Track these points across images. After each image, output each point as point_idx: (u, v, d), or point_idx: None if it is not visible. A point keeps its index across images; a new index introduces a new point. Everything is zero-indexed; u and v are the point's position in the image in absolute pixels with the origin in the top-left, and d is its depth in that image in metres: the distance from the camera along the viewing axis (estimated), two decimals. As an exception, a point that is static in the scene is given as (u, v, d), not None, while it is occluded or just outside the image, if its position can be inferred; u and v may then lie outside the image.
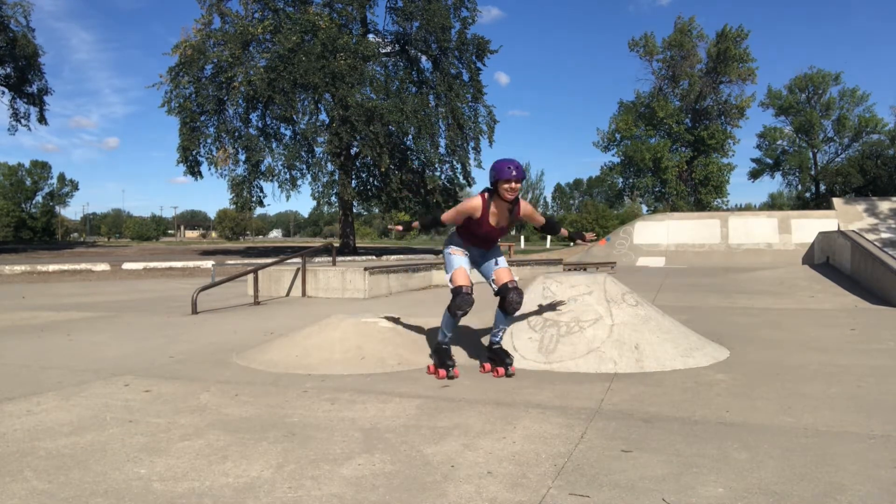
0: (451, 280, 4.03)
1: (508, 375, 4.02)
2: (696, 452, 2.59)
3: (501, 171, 3.76)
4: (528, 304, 4.80)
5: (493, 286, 4.12)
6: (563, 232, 4.48)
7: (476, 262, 4.22)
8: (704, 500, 2.12)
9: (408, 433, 2.86)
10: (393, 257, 21.22)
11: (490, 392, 3.65)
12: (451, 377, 3.95)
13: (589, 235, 4.47)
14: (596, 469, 2.40)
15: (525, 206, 4.00)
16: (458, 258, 4.10)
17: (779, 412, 3.19)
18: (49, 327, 6.46)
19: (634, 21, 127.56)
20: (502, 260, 4.21)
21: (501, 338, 4.25)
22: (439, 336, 4.20)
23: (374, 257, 20.47)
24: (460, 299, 3.94)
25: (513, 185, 3.77)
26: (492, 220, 3.95)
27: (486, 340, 4.59)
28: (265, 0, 25.39)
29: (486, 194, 3.92)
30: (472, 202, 3.93)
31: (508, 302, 4.01)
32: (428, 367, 4.20)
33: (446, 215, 4.10)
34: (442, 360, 4.11)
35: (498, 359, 4.15)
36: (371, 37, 27.31)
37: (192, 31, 24.86)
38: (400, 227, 4.40)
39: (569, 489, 2.21)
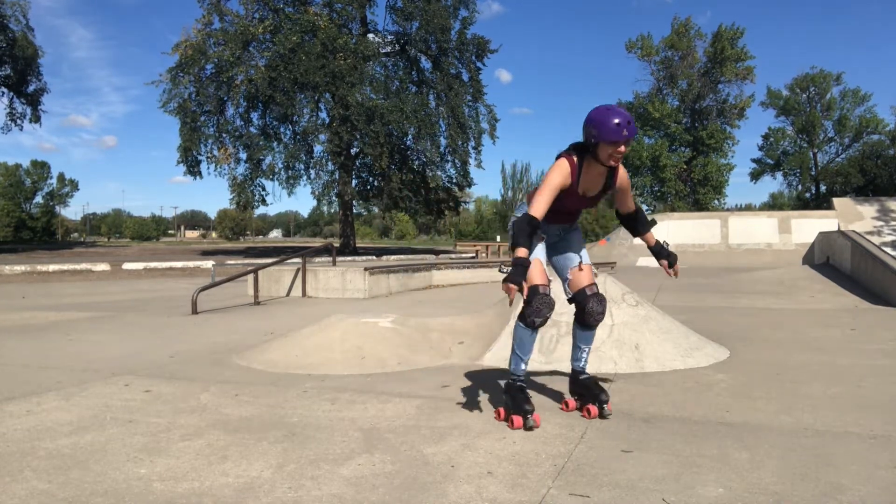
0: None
1: (603, 416, 3.09)
2: (696, 452, 2.59)
3: (607, 130, 2.80)
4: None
5: (567, 289, 3.22)
6: (650, 238, 3.42)
7: (553, 248, 3.27)
8: (704, 500, 2.12)
9: (408, 433, 2.86)
10: (393, 257, 21.21)
11: (490, 392, 3.65)
12: (529, 427, 2.89)
13: (672, 269, 3.43)
14: (596, 469, 2.40)
15: (623, 175, 3.13)
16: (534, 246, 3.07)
17: (779, 412, 3.19)
18: (49, 327, 6.46)
19: (639, 17, 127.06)
20: (585, 254, 3.26)
21: (586, 362, 3.29)
22: (511, 365, 3.10)
23: (374, 257, 20.47)
24: (538, 301, 2.93)
25: (622, 148, 2.84)
26: (581, 189, 3.05)
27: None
28: (265, 0, 25.41)
29: (576, 156, 2.98)
30: (562, 171, 2.96)
31: (588, 313, 3.11)
32: (496, 412, 3.12)
33: (539, 206, 2.91)
34: (517, 402, 2.98)
35: (588, 394, 3.18)
36: (371, 36, 27.32)
37: (193, 31, 24.90)
38: (517, 288, 2.79)
39: (569, 489, 2.21)
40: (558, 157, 3.03)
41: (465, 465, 2.45)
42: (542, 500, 2.12)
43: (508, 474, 2.36)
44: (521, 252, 2.80)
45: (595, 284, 3.17)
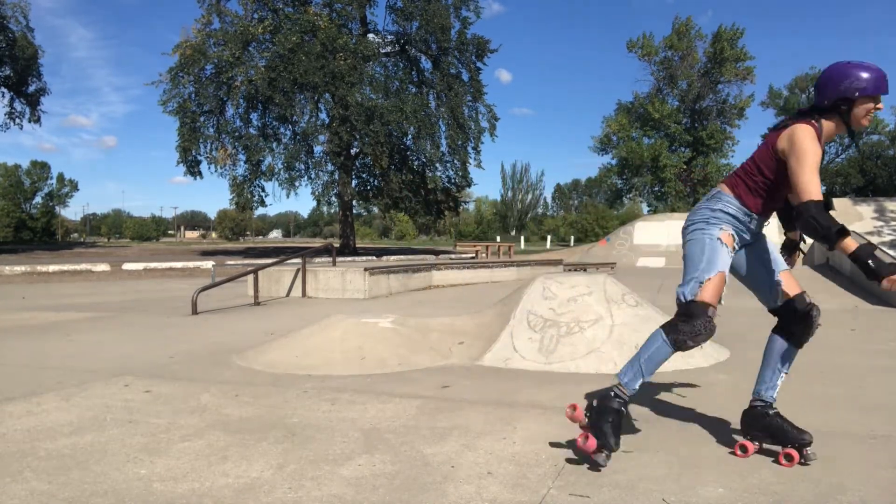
0: (695, 290, 2.43)
1: (806, 462, 2.41)
2: (696, 452, 2.59)
3: (875, 83, 2.37)
4: (529, 305, 4.80)
5: (775, 296, 2.56)
6: (795, 234, 2.73)
7: (750, 249, 2.64)
8: (704, 500, 2.12)
9: (408, 433, 2.86)
10: (393, 258, 21.22)
11: (490, 393, 3.65)
12: (599, 467, 2.35)
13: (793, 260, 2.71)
14: (596, 469, 2.40)
15: None
16: (726, 254, 2.48)
17: (779, 412, 3.19)
18: (49, 327, 6.46)
19: (639, 17, 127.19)
20: (780, 257, 2.65)
21: (776, 392, 2.62)
22: (624, 376, 2.47)
23: (374, 258, 20.47)
24: (702, 323, 2.39)
25: (881, 104, 2.42)
26: None
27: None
28: (265, 0, 25.42)
29: (815, 121, 2.42)
30: (815, 139, 2.36)
31: (811, 324, 2.51)
32: (581, 436, 2.36)
33: (818, 189, 2.30)
34: (604, 431, 2.35)
35: (782, 435, 2.48)
36: (371, 36, 27.32)
37: (192, 32, 24.90)
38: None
39: (569, 489, 2.21)
40: (781, 126, 2.44)
41: (466, 466, 2.45)
42: (542, 501, 2.12)
43: (508, 474, 2.36)
44: (852, 241, 2.18)
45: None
